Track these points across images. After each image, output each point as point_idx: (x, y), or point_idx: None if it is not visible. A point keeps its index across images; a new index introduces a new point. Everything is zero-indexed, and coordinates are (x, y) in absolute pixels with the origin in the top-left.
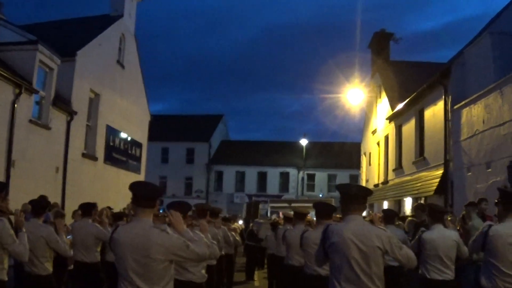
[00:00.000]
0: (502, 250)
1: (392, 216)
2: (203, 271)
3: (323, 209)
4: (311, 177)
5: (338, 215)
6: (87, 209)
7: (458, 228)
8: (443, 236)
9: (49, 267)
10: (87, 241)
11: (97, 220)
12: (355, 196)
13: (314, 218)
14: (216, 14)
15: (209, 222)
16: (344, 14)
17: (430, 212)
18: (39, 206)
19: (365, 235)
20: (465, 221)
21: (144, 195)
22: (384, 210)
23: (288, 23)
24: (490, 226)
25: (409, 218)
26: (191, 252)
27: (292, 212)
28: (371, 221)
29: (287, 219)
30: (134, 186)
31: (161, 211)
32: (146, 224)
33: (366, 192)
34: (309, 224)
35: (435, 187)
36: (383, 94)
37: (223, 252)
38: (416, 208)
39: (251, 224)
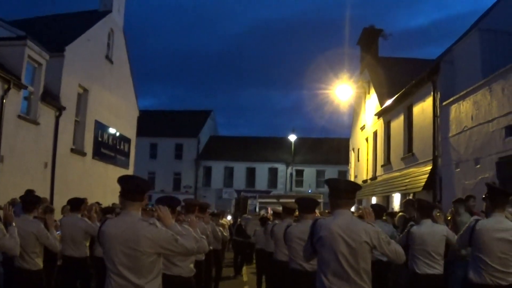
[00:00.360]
0: (488, 244)
1: (381, 211)
2: (191, 265)
3: (306, 204)
4: (299, 173)
5: (327, 211)
6: (76, 204)
7: (449, 218)
8: (432, 231)
9: (39, 262)
10: (76, 236)
11: (86, 215)
12: (344, 190)
13: None
14: (205, 9)
15: (198, 217)
16: (333, 10)
17: (419, 207)
18: (30, 202)
19: (353, 230)
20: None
21: (132, 189)
22: (372, 205)
23: (277, 18)
24: (477, 220)
25: (400, 214)
26: (180, 246)
27: (280, 208)
28: (361, 217)
29: (276, 214)
30: (122, 180)
31: (150, 206)
32: (134, 217)
33: (355, 186)
34: (298, 220)
35: (423, 183)
36: (372, 90)
37: (211, 247)
38: (406, 203)
39: (239, 220)
